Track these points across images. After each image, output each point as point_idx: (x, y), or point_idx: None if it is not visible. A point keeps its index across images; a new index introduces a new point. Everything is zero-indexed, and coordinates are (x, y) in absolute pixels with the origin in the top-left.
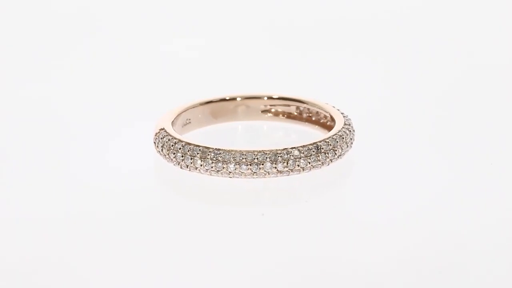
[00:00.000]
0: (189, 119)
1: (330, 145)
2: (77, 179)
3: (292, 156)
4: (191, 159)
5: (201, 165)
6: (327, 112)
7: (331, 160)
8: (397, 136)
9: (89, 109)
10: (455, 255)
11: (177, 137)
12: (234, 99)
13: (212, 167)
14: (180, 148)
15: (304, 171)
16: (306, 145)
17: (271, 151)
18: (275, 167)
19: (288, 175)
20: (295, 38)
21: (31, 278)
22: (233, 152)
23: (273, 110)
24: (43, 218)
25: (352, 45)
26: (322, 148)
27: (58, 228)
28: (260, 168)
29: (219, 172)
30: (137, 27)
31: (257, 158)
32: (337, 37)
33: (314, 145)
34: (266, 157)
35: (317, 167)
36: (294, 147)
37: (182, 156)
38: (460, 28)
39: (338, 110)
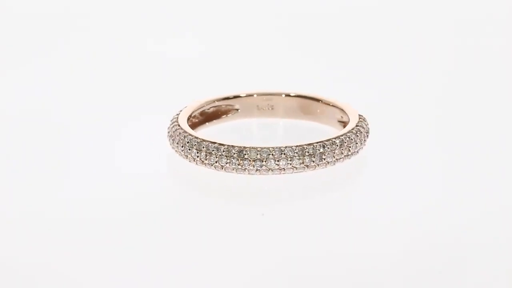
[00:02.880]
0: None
1: (344, 142)
2: (88, 177)
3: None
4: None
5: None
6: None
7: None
8: (409, 135)
9: (101, 107)
10: (465, 254)
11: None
12: (250, 95)
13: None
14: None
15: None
16: (329, 139)
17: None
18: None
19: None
20: (308, 36)
21: (48, 282)
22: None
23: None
24: (55, 216)
25: (365, 42)
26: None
27: (65, 227)
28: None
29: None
30: (145, 24)
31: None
32: (349, 35)
33: (337, 139)
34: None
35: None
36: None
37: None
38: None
39: (353, 107)
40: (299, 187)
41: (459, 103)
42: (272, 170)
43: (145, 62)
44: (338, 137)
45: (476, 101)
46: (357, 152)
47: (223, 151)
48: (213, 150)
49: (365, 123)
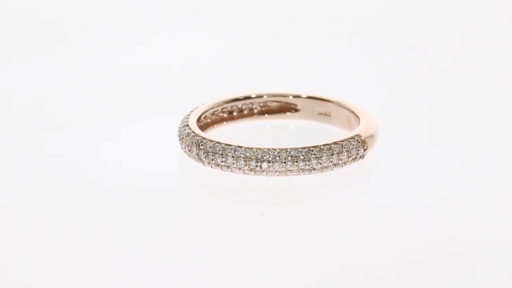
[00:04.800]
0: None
1: (298, 157)
2: (96, 176)
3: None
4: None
5: (233, 164)
6: (353, 112)
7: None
8: (417, 137)
9: (110, 107)
10: (471, 254)
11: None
12: (260, 96)
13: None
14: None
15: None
16: (284, 149)
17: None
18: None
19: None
20: (320, 36)
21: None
22: (271, 150)
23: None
24: (63, 216)
25: (374, 43)
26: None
27: (72, 226)
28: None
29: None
30: (160, 24)
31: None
32: (360, 35)
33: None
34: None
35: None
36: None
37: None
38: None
39: (364, 109)
40: (305, 188)
41: (468, 106)
42: (219, 166)
43: (163, 62)
44: (295, 149)
45: (484, 103)
46: (322, 170)
47: (201, 145)
48: (195, 142)
49: (354, 145)
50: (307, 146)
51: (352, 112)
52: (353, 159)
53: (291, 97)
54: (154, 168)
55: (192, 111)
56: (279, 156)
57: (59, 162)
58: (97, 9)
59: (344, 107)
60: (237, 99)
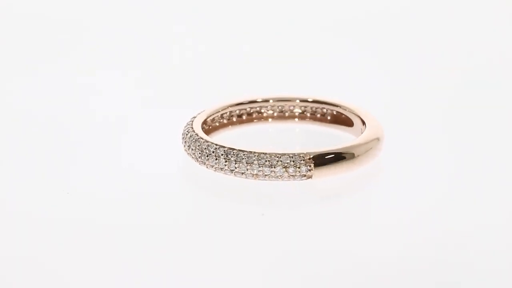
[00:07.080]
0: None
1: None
2: (101, 177)
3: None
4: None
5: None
6: (359, 117)
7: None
8: (424, 140)
9: (113, 107)
10: (476, 256)
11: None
12: (266, 101)
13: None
14: (213, 151)
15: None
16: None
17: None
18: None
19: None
20: (322, 38)
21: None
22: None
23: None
24: (65, 216)
25: (376, 44)
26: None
27: (75, 226)
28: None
29: (254, 175)
30: (171, 25)
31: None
32: (363, 37)
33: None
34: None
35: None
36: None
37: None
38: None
39: (370, 114)
40: (310, 190)
41: (474, 108)
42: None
43: (172, 63)
44: (231, 149)
45: (491, 104)
46: (254, 177)
47: (193, 141)
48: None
49: (293, 162)
50: (245, 150)
51: (360, 118)
52: (291, 175)
53: (298, 101)
54: (156, 169)
55: (199, 113)
56: (214, 153)
57: (59, 162)
58: (103, 7)
59: (354, 113)
60: (242, 103)
